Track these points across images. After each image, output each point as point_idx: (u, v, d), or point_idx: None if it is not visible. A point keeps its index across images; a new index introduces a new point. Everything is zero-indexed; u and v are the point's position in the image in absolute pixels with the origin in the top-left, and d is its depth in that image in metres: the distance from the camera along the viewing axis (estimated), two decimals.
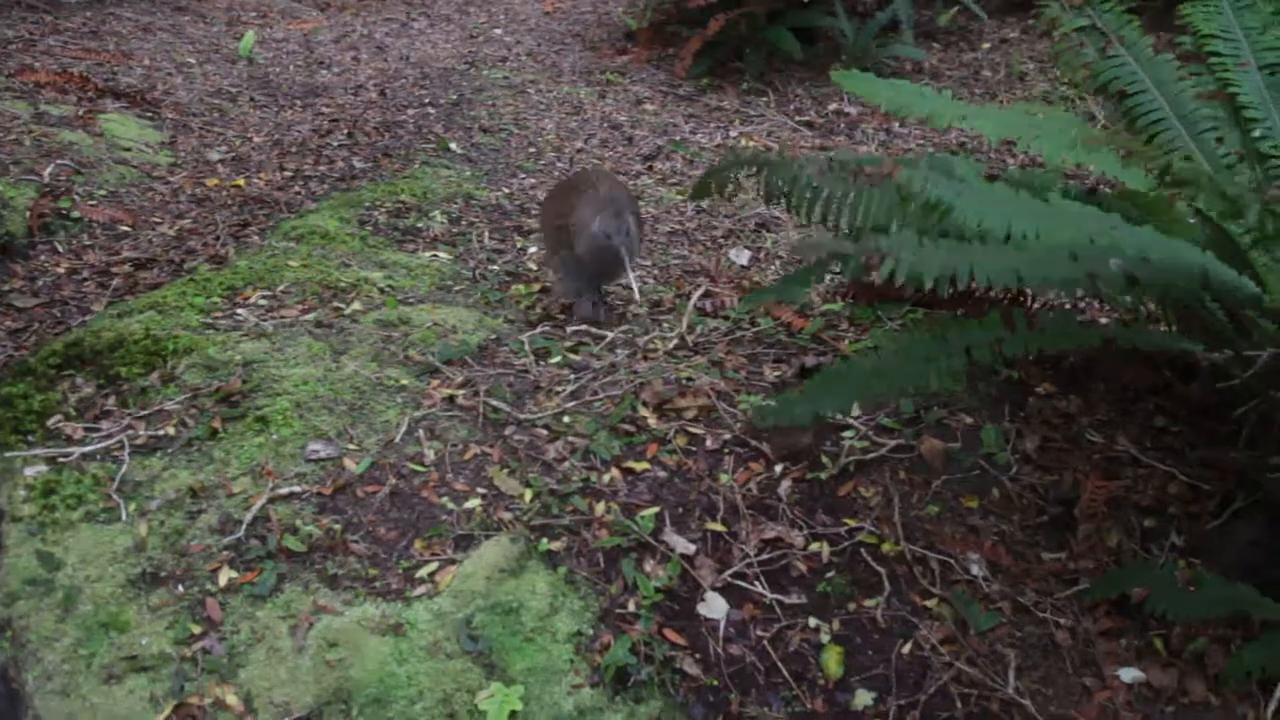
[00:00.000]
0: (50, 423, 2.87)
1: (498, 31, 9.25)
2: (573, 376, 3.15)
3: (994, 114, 2.94)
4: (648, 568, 2.57)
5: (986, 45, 7.89)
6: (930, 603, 2.55)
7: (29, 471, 2.73)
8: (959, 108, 2.95)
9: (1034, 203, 2.28)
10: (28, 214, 4.48)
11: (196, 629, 2.41)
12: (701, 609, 2.52)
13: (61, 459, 2.76)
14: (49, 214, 4.54)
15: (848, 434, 2.93)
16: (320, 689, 2.29)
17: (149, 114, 6.03)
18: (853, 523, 2.71)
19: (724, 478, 2.81)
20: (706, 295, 3.80)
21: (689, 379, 3.11)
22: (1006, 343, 2.30)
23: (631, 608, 2.49)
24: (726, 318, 3.53)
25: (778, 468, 2.85)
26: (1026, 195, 2.34)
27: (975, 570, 2.62)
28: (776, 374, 3.17)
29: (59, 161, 4.99)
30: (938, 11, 8.06)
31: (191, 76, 6.97)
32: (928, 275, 2.03)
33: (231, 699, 2.30)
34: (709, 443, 2.92)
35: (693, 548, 2.63)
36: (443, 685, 2.30)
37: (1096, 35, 3.03)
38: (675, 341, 3.31)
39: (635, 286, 3.52)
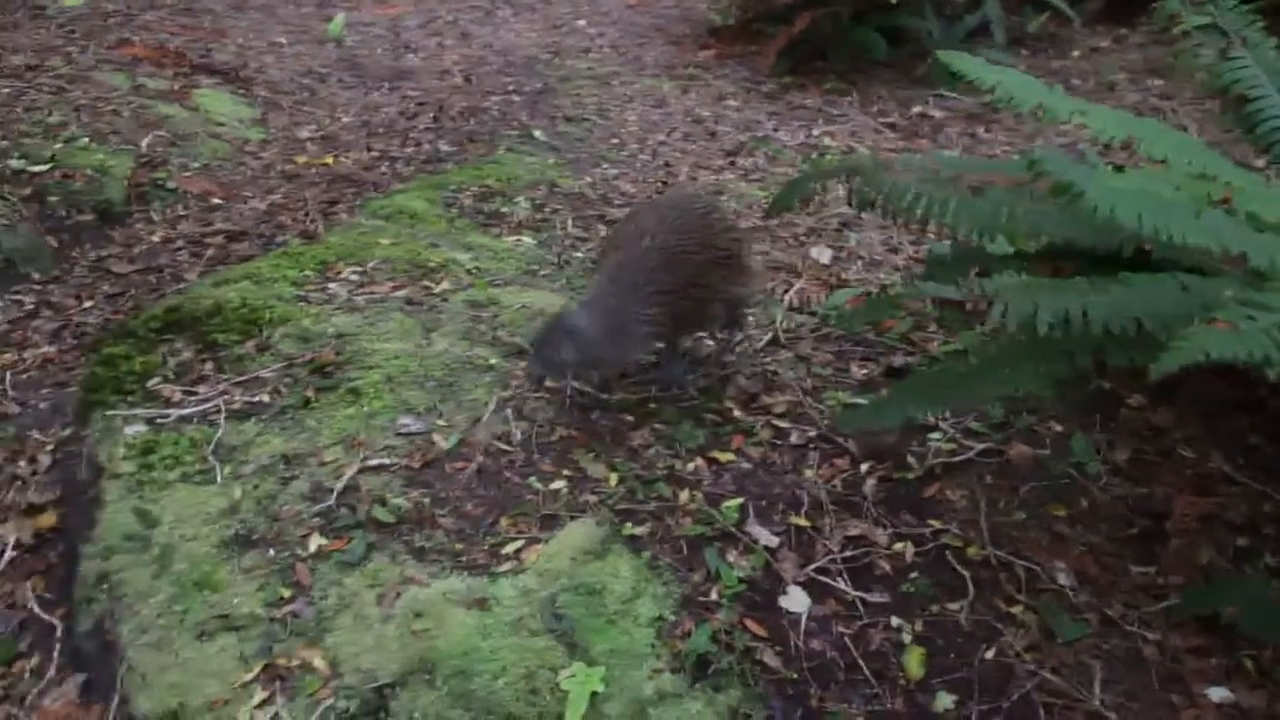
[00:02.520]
0: (150, 384, 2.93)
1: (581, 22, 9.28)
2: (660, 364, 3.15)
3: (1114, 112, 2.85)
4: (730, 558, 2.57)
5: (1076, 53, 7.77)
6: (1015, 609, 2.52)
7: (129, 431, 2.79)
8: (1076, 102, 2.85)
9: (1168, 196, 2.22)
10: (126, 183, 4.58)
11: (286, 592, 2.46)
12: (783, 602, 2.51)
13: (160, 420, 2.82)
14: (146, 184, 4.65)
15: (934, 435, 2.91)
16: (405, 657, 2.32)
17: (241, 90, 6.15)
18: (938, 524, 2.69)
19: (808, 473, 2.80)
20: (790, 289, 3.79)
21: (775, 373, 3.10)
22: (1109, 353, 2.26)
23: (714, 596, 2.49)
24: (814, 314, 3.51)
25: (863, 466, 2.84)
26: (1162, 185, 2.28)
27: (1062, 579, 2.58)
28: (864, 372, 3.15)
29: (156, 133, 5.10)
30: (1027, 17, 7.95)
31: (282, 55, 7.09)
32: (1040, 320, 2.00)
33: (319, 662, 2.33)
34: (794, 437, 2.91)
35: (776, 540, 2.63)
36: (526, 662, 2.31)
37: (1217, 35, 2.96)
38: (769, 337, 3.29)
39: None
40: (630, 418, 2.93)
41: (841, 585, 2.56)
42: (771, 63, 7.67)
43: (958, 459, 2.85)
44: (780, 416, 2.97)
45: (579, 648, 2.36)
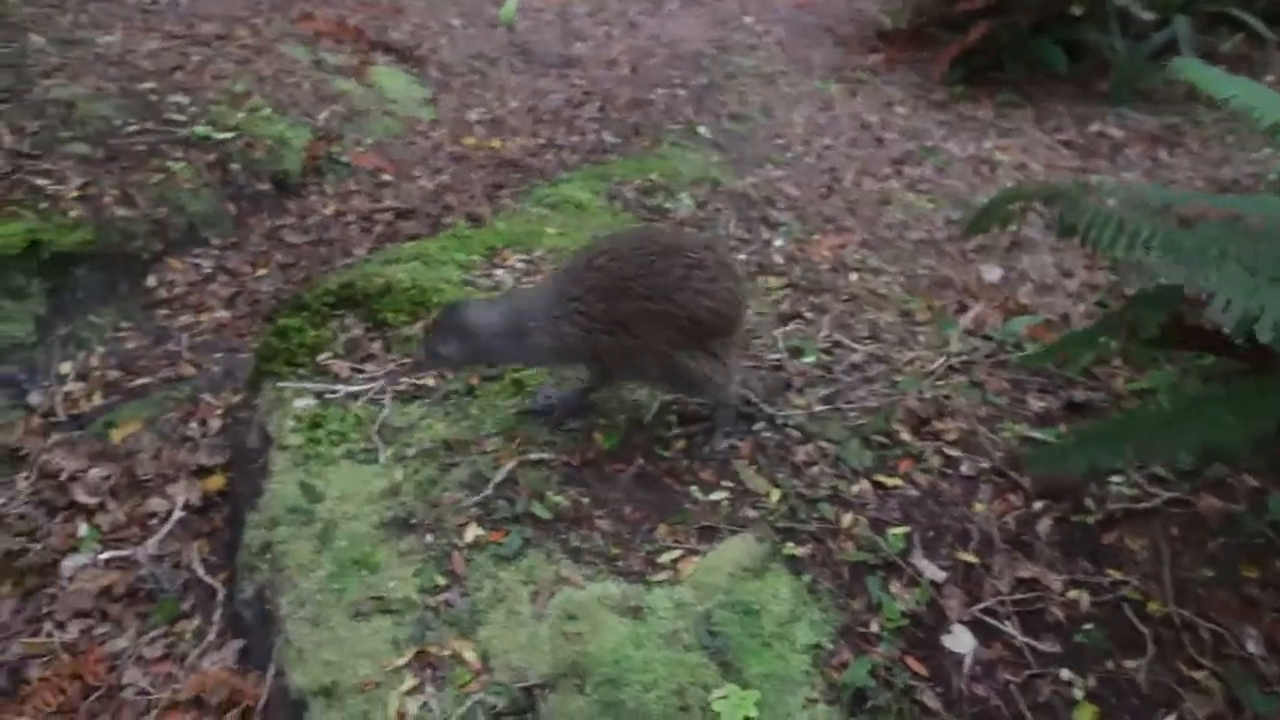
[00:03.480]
0: (320, 358, 2.97)
1: (748, 19, 9.17)
2: (827, 379, 3.06)
3: None
4: (894, 589, 2.47)
5: (1271, 77, 7.34)
6: (1198, 674, 2.36)
7: (298, 404, 2.83)
8: None
9: None
10: (303, 155, 4.68)
11: (441, 580, 2.45)
12: (947, 641, 2.40)
13: (329, 395, 2.85)
14: (322, 157, 4.74)
15: (1116, 479, 2.75)
16: (557, 659, 2.28)
17: (415, 70, 6.24)
18: (1117, 574, 2.53)
19: (979, 506, 2.68)
20: (962, 310, 3.65)
21: (947, 398, 2.98)
22: None
23: (874, 628, 2.40)
24: (989, 338, 3.37)
25: (1037, 504, 2.69)
26: None
27: (1251, 646, 2.40)
28: (1042, 405, 3.00)
29: (333, 107, 5.20)
30: (1221, 37, 7.54)
31: (455, 38, 7.18)
32: (1263, 325, 1.85)
33: (469, 654, 2.32)
34: (965, 468, 2.78)
35: (942, 575, 2.51)
36: (678, 676, 2.26)
37: None
38: (942, 360, 3.16)
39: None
40: (795, 432, 2.85)
41: (1010, 629, 2.43)
42: (944, 71, 7.46)
43: (1140, 506, 2.68)
44: (952, 444, 2.84)
45: (732, 668, 2.30)
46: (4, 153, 3.96)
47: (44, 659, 2.50)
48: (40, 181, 3.88)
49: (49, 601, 2.63)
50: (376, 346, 3.04)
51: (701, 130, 5.96)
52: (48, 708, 2.37)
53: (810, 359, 3.16)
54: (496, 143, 5.38)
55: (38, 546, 2.76)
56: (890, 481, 2.72)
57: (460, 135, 5.47)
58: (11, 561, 2.72)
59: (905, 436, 2.86)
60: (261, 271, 3.99)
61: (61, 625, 2.57)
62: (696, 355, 2.65)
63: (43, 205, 3.74)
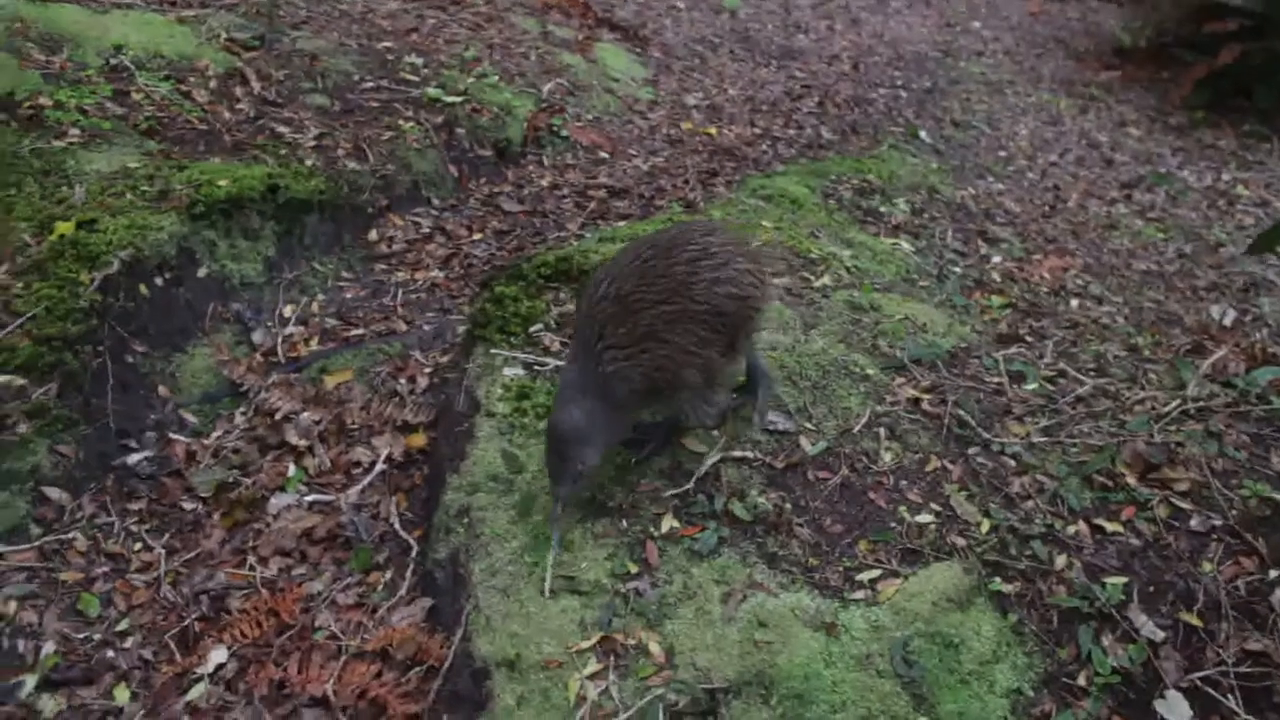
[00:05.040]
0: (532, 330, 2.98)
1: (976, 24, 8.88)
2: (1049, 409, 2.89)
3: None
4: (1106, 642, 2.31)
5: None
6: None
7: (507, 372, 2.85)
8: None
9: None
10: (525, 125, 4.73)
11: (633, 568, 2.42)
12: (1159, 707, 2.23)
13: (538, 367, 2.86)
14: (542, 128, 4.78)
15: None
16: (743, 666, 2.22)
17: (637, 50, 6.25)
18: None
19: (1207, 566, 2.48)
20: (1195, 350, 3.41)
21: (1180, 445, 2.78)
22: None
23: (1081, 681, 2.25)
24: (1230, 385, 3.13)
25: (1273, 572, 2.48)
26: None
27: None
28: None
29: (557, 80, 5.25)
30: None
31: (679, 19, 7.16)
32: None
33: (654, 647, 2.28)
34: (1195, 522, 2.59)
35: (1161, 634, 2.34)
36: (868, 702, 2.17)
37: None
38: (1176, 403, 2.95)
39: None
40: (1011, 461, 2.70)
41: (1231, 703, 2.24)
42: (1185, 94, 7.05)
43: None
44: (1181, 495, 2.65)
45: (926, 701, 2.19)
46: (252, 98, 4.13)
47: (244, 591, 2.59)
48: (281, 129, 4.03)
49: (254, 536, 2.72)
50: None
51: (922, 135, 5.78)
52: (244, 639, 2.45)
53: (1032, 386, 3.00)
54: (713, 129, 5.34)
55: (248, 481, 2.86)
56: (1110, 526, 2.55)
57: (677, 118, 5.44)
58: (223, 493, 2.83)
59: (1130, 480, 2.67)
60: (477, 236, 4.04)
61: (264, 561, 2.65)
62: (729, 355, 2.51)
63: (282, 152, 3.88)
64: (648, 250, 2.44)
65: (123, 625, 2.47)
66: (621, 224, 4.00)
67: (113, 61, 4.03)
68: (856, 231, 4.13)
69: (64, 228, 3.13)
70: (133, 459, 2.87)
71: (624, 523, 2.51)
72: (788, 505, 2.53)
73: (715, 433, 2.69)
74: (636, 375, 2.40)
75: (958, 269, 4.08)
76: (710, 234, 2.51)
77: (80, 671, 2.36)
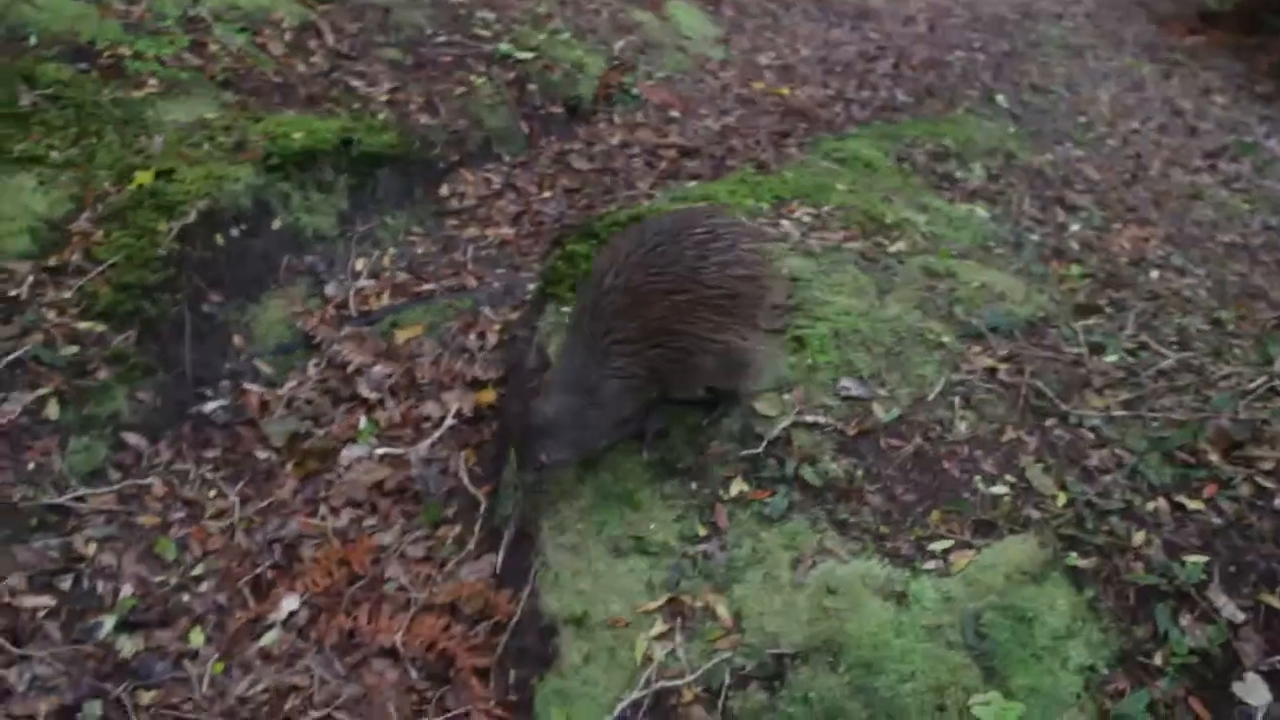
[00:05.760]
0: None
1: None
2: (1130, 382, 2.83)
3: None
4: (1184, 622, 2.26)
5: None
6: None
7: None
8: None
9: None
10: (596, 82, 4.70)
11: (702, 530, 2.41)
12: (1238, 689, 2.18)
13: None
14: (614, 86, 4.75)
15: None
16: (811, 633, 2.21)
17: (710, 8, 6.17)
18: None
19: None
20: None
21: (1265, 423, 2.70)
22: None
23: (1157, 661, 2.20)
24: None
25: None
26: None
27: None
28: None
29: (628, 38, 5.20)
30: None
31: None
32: None
33: (722, 610, 2.27)
34: (1279, 501, 2.52)
35: (1241, 616, 2.28)
36: (937, 673, 2.14)
37: None
38: (1262, 380, 2.87)
39: None
40: (1090, 434, 2.64)
41: None
42: (1274, 60, 6.83)
43: None
44: (1266, 474, 2.57)
45: (997, 674, 2.16)
46: (326, 51, 4.14)
47: (316, 541, 2.62)
48: (355, 82, 4.04)
49: (325, 487, 2.75)
50: None
51: (999, 99, 5.65)
52: (316, 588, 2.48)
53: (1113, 358, 2.93)
54: (785, 90, 5.26)
55: (320, 432, 2.89)
56: (1191, 504, 2.49)
57: (749, 78, 5.37)
58: (296, 443, 2.86)
59: (1213, 458, 2.60)
60: (547, 193, 4.03)
61: (335, 511, 2.68)
62: (749, 334, 2.45)
63: (355, 105, 3.89)
64: (653, 236, 2.36)
65: (198, 570, 2.52)
66: (692, 184, 3.96)
67: (190, 12, 4.05)
68: (931, 196, 4.06)
69: (143, 177, 3.16)
70: (208, 407, 2.91)
71: (693, 485, 2.50)
72: (859, 472, 2.50)
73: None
74: (642, 371, 2.36)
75: (1035, 236, 3.99)
76: (713, 215, 2.46)
77: (157, 614, 2.41)
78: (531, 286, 3.33)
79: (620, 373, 2.35)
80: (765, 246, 2.53)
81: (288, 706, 2.23)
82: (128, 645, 2.33)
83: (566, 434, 2.36)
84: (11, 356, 2.69)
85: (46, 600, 2.37)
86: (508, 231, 3.75)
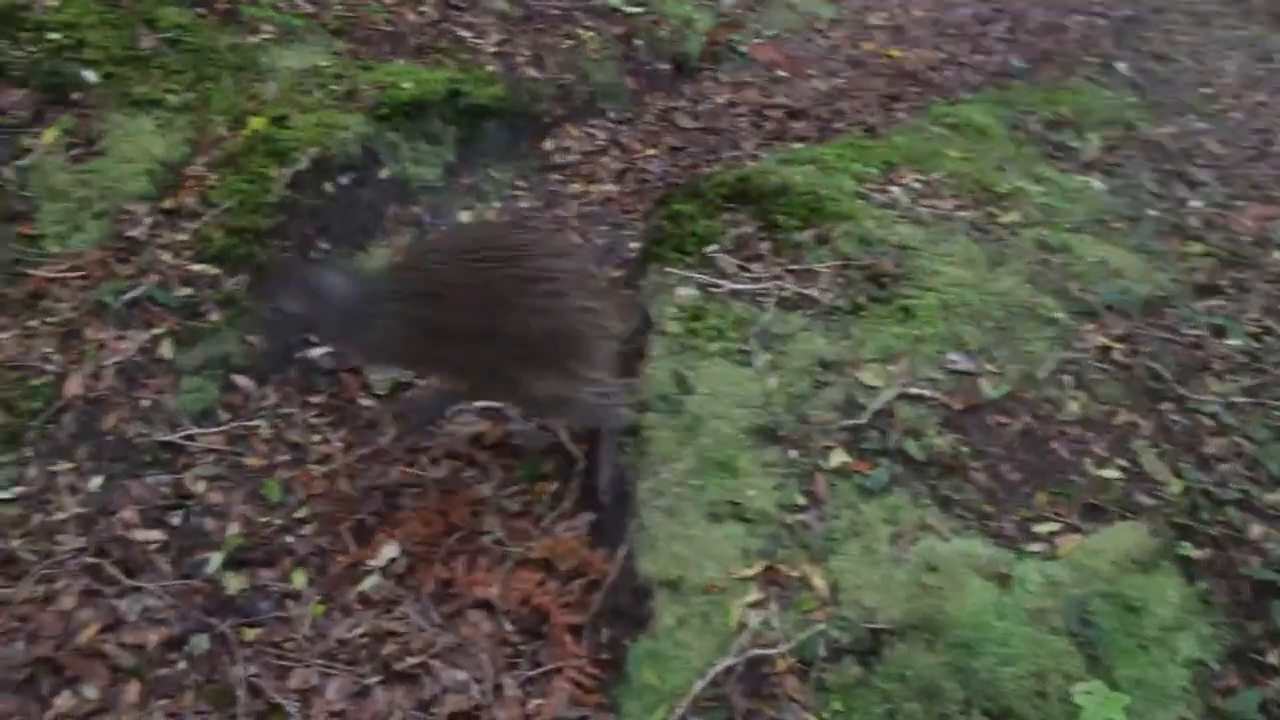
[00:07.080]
0: (708, 250, 2.93)
1: None
2: (1252, 367, 2.72)
3: None
4: None
5: None
6: None
7: (682, 292, 2.81)
8: None
9: None
10: (704, 39, 4.63)
11: (800, 499, 2.38)
12: None
13: (713, 289, 2.81)
14: (721, 44, 4.68)
15: None
16: (909, 609, 2.17)
17: None
18: None
19: None
20: None
21: None
22: None
23: (1271, 659, 2.14)
24: None
25: None
26: None
27: None
28: None
29: None
30: None
31: None
32: None
33: (818, 582, 2.25)
34: None
35: None
36: (1039, 658, 2.10)
37: None
38: None
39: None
40: (1209, 420, 2.56)
41: None
42: None
43: None
44: None
45: (1101, 664, 2.11)
46: (435, 1, 4.13)
47: (416, 490, 2.65)
48: (463, 33, 4.03)
49: (426, 438, 2.77)
50: (765, 247, 2.96)
51: (1119, 67, 5.44)
52: (414, 537, 2.51)
53: (1235, 341, 2.82)
54: (896, 51, 5.13)
55: (421, 383, 2.91)
56: None
57: (859, 39, 5.25)
58: (399, 393, 2.89)
59: None
60: (651, 151, 4.00)
61: (435, 462, 2.71)
62: (543, 375, 2.37)
63: (463, 56, 3.89)
64: (493, 252, 2.31)
65: (301, 513, 2.56)
66: (799, 145, 3.90)
67: None
68: (1045, 166, 3.93)
69: (257, 123, 3.20)
70: (315, 353, 2.95)
71: (793, 453, 2.47)
72: (964, 448, 2.45)
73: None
74: (401, 352, 2.39)
75: (1154, 212, 3.84)
76: (561, 255, 2.42)
77: (262, 553, 2.46)
78: (635, 245, 3.30)
79: (378, 333, 2.33)
80: (606, 305, 2.43)
81: (385, 651, 2.26)
82: (233, 582, 2.39)
83: (319, 308, 2.34)
84: (129, 296, 2.76)
85: (157, 535, 2.43)
86: (611, 189, 3.73)
